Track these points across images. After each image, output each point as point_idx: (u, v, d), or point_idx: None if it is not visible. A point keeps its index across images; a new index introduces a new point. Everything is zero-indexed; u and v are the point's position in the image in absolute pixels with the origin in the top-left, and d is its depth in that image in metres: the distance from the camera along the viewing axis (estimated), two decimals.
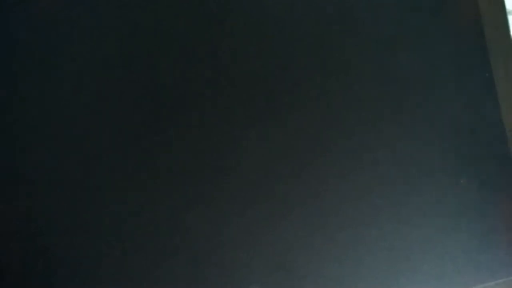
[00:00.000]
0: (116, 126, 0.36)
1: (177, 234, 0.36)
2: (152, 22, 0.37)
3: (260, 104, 0.37)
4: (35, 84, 0.36)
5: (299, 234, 0.36)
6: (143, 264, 0.35)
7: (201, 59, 0.37)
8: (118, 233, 0.35)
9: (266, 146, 0.37)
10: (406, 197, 0.37)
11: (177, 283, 0.35)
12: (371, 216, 0.37)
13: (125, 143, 0.36)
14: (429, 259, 0.37)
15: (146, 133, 0.36)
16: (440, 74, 0.39)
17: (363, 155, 0.37)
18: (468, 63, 0.39)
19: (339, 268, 0.36)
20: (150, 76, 0.37)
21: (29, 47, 0.36)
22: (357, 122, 0.38)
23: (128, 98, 0.36)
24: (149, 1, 0.37)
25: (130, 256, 0.35)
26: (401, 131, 0.38)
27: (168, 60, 0.37)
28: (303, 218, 0.36)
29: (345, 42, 0.38)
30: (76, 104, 0.36)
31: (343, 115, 0.38)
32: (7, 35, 0.36)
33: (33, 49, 0.36)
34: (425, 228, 0.37)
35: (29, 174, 0.35)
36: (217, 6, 0.37)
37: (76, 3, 0.37)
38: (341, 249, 0.37)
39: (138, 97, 0.36)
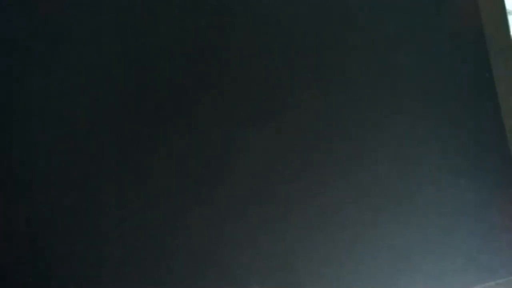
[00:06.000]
0: (116, 126, 0.36)
1: (177, 234, 0.36)
2: (151, 21, 0.37)
3: (260, 104, 0.37)
4: (34, 85, 0.36)
5: (299, 234, 0.36)
6: (143, 264, 0.35)
7: (200, 59, 0.37)
8: (117, 233, 0.35)
9: (266, 146, 0.37)
10: (406, 197, 0.37)
11: (177, 283, 0.35)
12: (371, 216, 0.37)
13: (125, 143, 0.36)
14: (429, 259, 0.37)
15: (145, 133, 0.36)
16: (440, 74, 0.39)
17: (363, 155, 0.37)
18: (468, 63, 0.39)
19: (339, 268, 0.36)
20: (149, 76, 0.37)
21: (29, 47, 0.36)
22: (357, 122, 0.38)
23: (128, 98, 0.36)
24: (149, 0, 0.37)
25: (130, 256, 0.35)
26: (401, 131, 0.38)
27: (167, 59, 0.37)
28: (303, 218, 0.36)
29: (345, 42, 0.38)
30: (76, 105, 0.36)
31: (343, 115, 0.38)
32: (6, 35, 0.36)
33: (33, 49, 0.36)
34: (425, 228, 0.37)
35: (28, 174, 0.35)
36: (217, 6, 0.37)
37: (76, 2, 0.37)
38: (341, 249, 0.37)
39: (138, 97, 0.36)
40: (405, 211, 0.37)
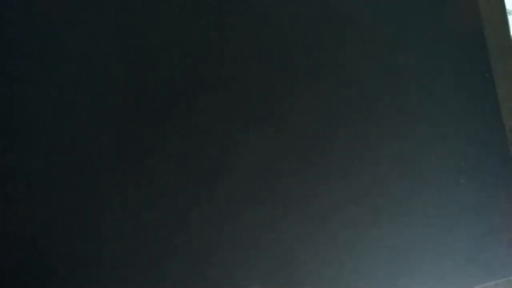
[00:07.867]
0: (116, 126, 0.36)
1: (177, 234, 0.36)
2: (151, 21, 0.37)
3: (260, 103, 0.37)
4: (34, 85, 0.36)
5: (299, 234, 0.36)
6: (143, 264, 0.35)
7: (200, 59, 0.37)
8: (118, 233, 0.35)
9: (266, 146, 0.37)
10: (406, 197, 0.37)
11: (177, 283, 0.35)
12: (371, 216, 0.37)
13: (125, 144, 0.36)
14: (429, 259, 0.37)
15: (146, 133, 0.36)
16: (440, 74, 0.39)
17: (363, 155, 0.37)
18: (468, 63, 0.39)
19: (339, 268, 0.36)
20: (149, 76, 0.37)
21: (28, 47, 0.36)
22: (357, 122, 0.38)
23: (128, 98, 0.36)
24: (149, 0, 0.37)
25: (130, 256, 0.35)
26: (401, 131, 0.38)
27: (167, 59, 0.37)
28: (303, 218, 0.36)
29: (345, 42, 0.38)
30: (76, 105, 0.36)
31: (343, 115, 0.38)
32: (7, 35, 0.36)
33: (32, 48, 0.36)
34: (425, 228, 0.37)
35: (28, 174, 0.35)
36: (217, 6, 0.37)
37: (76, 2, 0.37)
38: (341, 249, 0.37)
39: (138, 97, 0.36)
40: (405, 211, 0.37)
